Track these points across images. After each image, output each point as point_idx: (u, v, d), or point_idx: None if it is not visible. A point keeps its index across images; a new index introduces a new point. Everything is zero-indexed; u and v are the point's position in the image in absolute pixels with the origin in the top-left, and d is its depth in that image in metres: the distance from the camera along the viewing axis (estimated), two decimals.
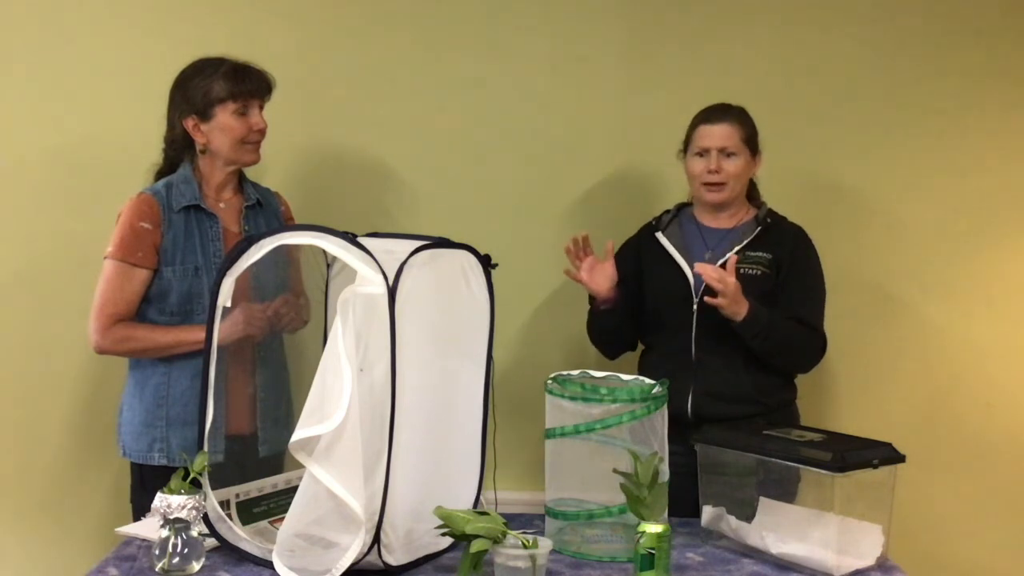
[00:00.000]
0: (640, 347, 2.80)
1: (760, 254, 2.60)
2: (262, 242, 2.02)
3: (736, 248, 2.60)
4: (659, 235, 2.69)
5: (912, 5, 3.08)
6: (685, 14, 3.08)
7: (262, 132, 2.56)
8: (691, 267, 2.60)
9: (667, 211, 2.75)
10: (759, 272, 2.58)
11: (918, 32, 3.08)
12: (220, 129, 2.51)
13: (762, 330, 2.50)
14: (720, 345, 2.56)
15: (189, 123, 2.52)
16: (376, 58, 3.07)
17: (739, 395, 2.57)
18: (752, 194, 2.72)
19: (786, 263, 2.61)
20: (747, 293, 2.49)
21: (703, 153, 2.61)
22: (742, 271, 2.55)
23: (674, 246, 2.66)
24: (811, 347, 2.62)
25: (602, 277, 2.60)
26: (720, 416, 2.47)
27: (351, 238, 1.95)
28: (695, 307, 2.58)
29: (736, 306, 2.47)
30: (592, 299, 2.68)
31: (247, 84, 2.52)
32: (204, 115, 2.50)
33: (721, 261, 2.56)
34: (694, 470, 2.27)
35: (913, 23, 3.08)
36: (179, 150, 2.57)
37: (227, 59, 2.53)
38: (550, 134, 3.09)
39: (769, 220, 2.65)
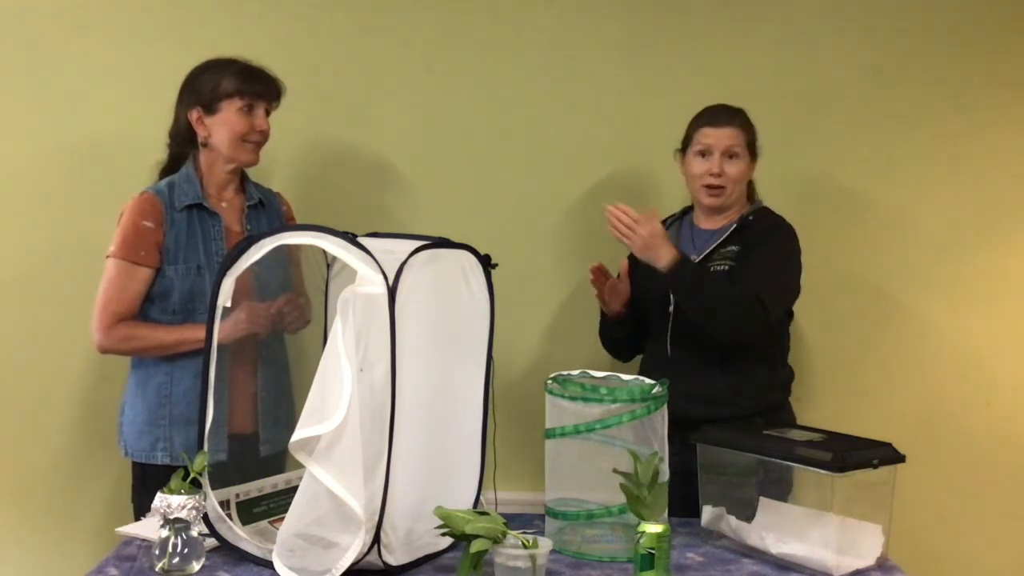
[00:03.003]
0: None
1: (730, 248, 2.57)
2: (262, 242, 2.02)
3: (712, 246, 2.59)
4: None
5: (911, 8, 3.08)
6: (685, 15, 3.09)
7: (263, 134, 2.57)
8: None
9: (672, 215, 2.75)
10: (726, 267, 2.55)
11: (918, 35, 3.08)
12: (223, 124, 2.52)
13: (688, 282, 2.47)
14: (694, 347, 2.55)
15: (193, 115, 2.53)
16: (376, 58, 3.07)
17: (715, 397, 2.53)
18: (750, 196, 2.70)
19: (752, 249, 2.56)
20: None
21: (706, 153, 2.59)
22: (711, 268, 2.55)
23: None
24: (744, 312, 2.47)
25: (617, 297, 2.66)
26: (698, 418, 2.37)
27: (351, 238, 1.95)
28: (671, 309, 2.58)
29: (651, 251, 2.45)
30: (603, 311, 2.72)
31: (257, 85, 2.54)
32: (209, 108, 2.52)
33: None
34: (680, 470, 2.24)
35: (913, 26, 3.08)
36: (182, 143, 2.58)
37: (241, 60, 2.56)
38: (550, 134, 3.09)
39: (752, 218, 2.61)
